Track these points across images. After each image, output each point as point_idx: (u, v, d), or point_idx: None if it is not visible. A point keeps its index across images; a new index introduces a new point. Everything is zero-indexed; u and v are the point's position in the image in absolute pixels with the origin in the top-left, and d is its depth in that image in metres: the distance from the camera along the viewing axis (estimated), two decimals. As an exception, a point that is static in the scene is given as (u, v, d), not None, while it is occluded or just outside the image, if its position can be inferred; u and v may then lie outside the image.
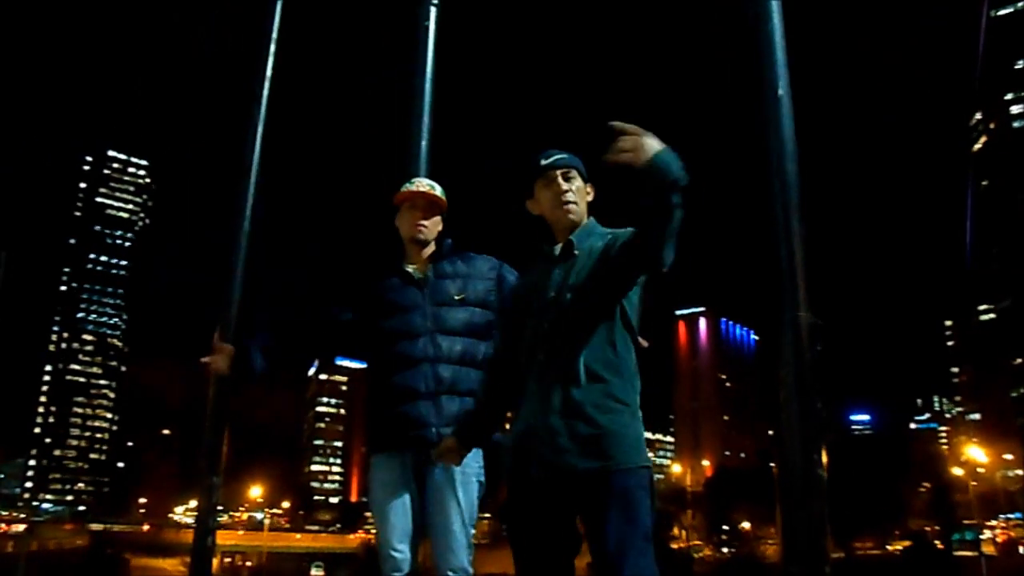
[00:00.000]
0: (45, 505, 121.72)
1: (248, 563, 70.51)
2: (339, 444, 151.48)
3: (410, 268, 3.22)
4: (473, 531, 3.07)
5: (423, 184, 3.27)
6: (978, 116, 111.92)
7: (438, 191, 3.25)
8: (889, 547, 66.53)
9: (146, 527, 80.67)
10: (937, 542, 63.99)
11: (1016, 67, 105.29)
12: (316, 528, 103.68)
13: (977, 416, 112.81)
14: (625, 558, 2.13)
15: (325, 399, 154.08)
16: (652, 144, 2.20)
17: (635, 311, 2.43)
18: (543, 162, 2.56)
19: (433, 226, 3.23)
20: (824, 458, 2.39)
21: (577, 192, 2.56)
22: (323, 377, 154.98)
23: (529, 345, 2.45)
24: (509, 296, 2.91)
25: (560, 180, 2.54)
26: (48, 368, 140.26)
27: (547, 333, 2.40)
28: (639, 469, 2.25)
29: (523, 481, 2.36)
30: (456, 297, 3.15)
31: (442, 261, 3.23)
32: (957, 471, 61.39)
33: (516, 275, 3.22)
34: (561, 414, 2.29)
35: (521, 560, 2.38)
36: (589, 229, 2.55)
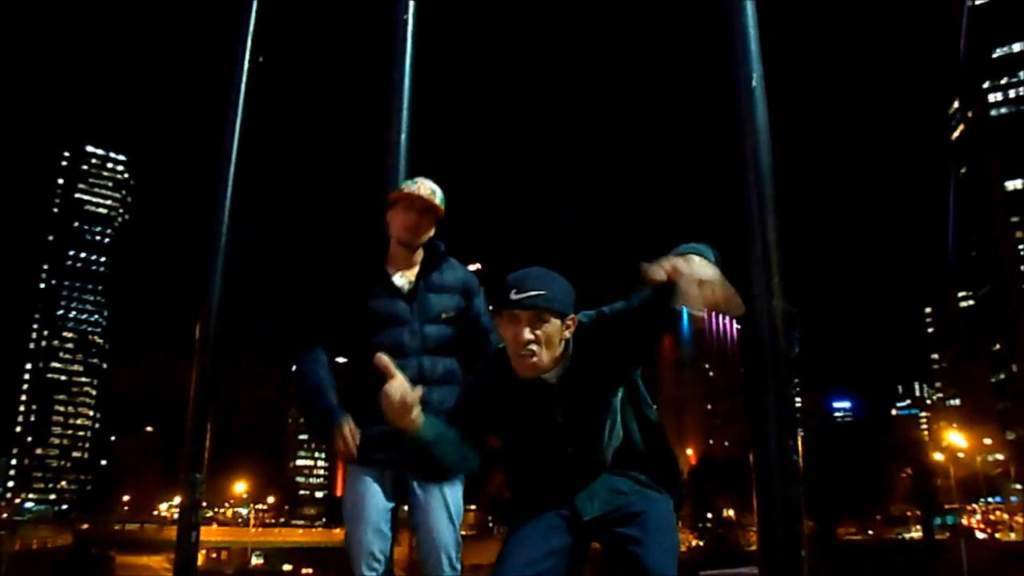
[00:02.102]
0: (28, 504, 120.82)
1: (221, 558, 70.82)
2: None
3: (396, 276, 3.09)
4: (459, 526, 3.05)
5: (425, 188, 3.08)
6: (956, 104, 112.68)
7: (438, 198, 3.09)
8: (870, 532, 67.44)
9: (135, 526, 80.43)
10: (918, 527, 64.73)
11: (994, 55, 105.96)
12: (302, 523, 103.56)
13: (957, 402, 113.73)
14: None
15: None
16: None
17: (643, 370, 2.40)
18: (512, 296, 2.15)
19: (425, 233, 3.10)
20: (799, 444, 2.43)
21: (545, 340, 2.17)
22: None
23: (538, 452, 2.36)
24: (473, 402, 2.41)
25: (524, 326, 2.16)
26: (28, 366, 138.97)
27: (573, 456, 2.32)
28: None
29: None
30: (443, 316, 3.06)
31: (431, 274, 3.11)
32: (938, 456, 62.08)
33: (481, 295, 3.17)
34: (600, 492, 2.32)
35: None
36: (572, 352, 2.26)
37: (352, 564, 2.95)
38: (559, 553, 2.27)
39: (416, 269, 3.10)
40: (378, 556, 2.93)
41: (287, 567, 69.49)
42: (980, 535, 63.67)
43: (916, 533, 65.95)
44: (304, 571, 66.20)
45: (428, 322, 3.03)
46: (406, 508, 3.09)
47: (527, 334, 2.15)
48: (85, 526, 73.72)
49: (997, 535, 67.19)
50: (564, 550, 2.28)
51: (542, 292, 2.15)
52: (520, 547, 2.28)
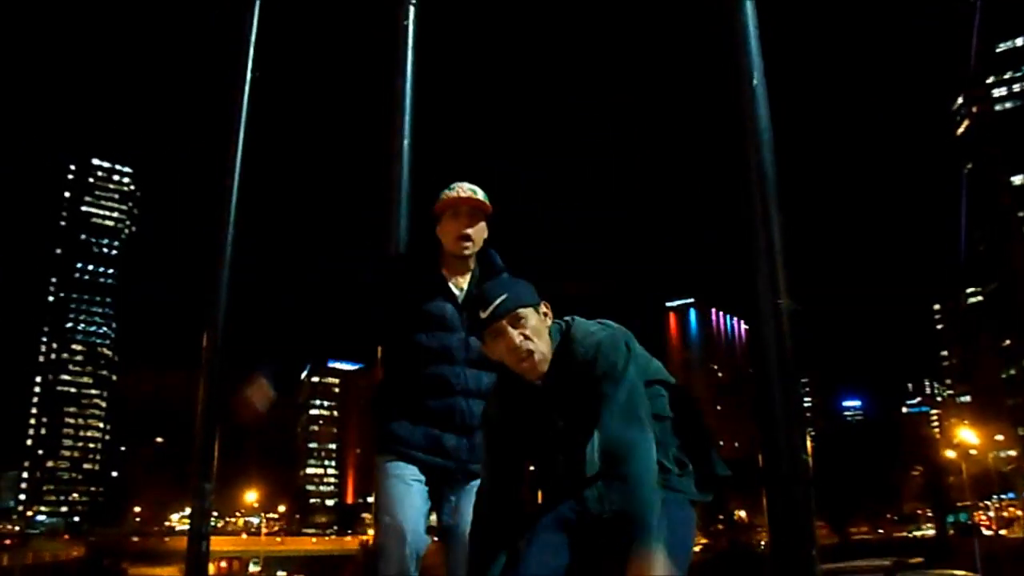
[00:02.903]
0: (39, 517, 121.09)
1: (233, 568, 71.49)
2: (333, 446, 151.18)
3: (450, 281, 3.01)
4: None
5: (464, 189, 2.98)
6: (960, 100, 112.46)
7: (481, 195, 2.99)
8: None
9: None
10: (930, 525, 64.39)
11: (998, 50, 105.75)
12: (313, 531, 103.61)
13: (968, 398, 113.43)
14: None
15: (318, 402, 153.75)
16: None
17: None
18: (483, 314, 2.23)
19: (478, 236, 2.99)
20: (809, 444, 2.42)
21: (534, 333, 2.23)
22: (315, 380, 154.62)
23: (540, 463, 2.37)
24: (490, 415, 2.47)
25: (510, 331, 2.22)
26: (38, 379, 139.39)
27: (564, 463, 2.29)
28: None
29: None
30: None
31: (484, 283, 2.96)
32: (949, 453, 61.71)
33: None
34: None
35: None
36: (558, 350, 2.27)
37: (387, 566, 2.80)
38: (572, 549, 2.22)
39: (469, 277, 3.04)
40: (416, 557, 2.80)
41: (281, 574, 70.60)
42: (987, 532, 63.36)
43: (929, 531, 65.63)
44: None
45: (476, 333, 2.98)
46: (434, 515, 2.99)
47: (516, 337, 2.21)
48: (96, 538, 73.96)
49: (1003, 532, 66.85)
50: (577, 546, 2.23)
51: (505, 296, 2.23)
52: (533, 543, 2.24)
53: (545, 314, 2.29)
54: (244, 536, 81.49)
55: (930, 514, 69.85)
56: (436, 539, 3.07)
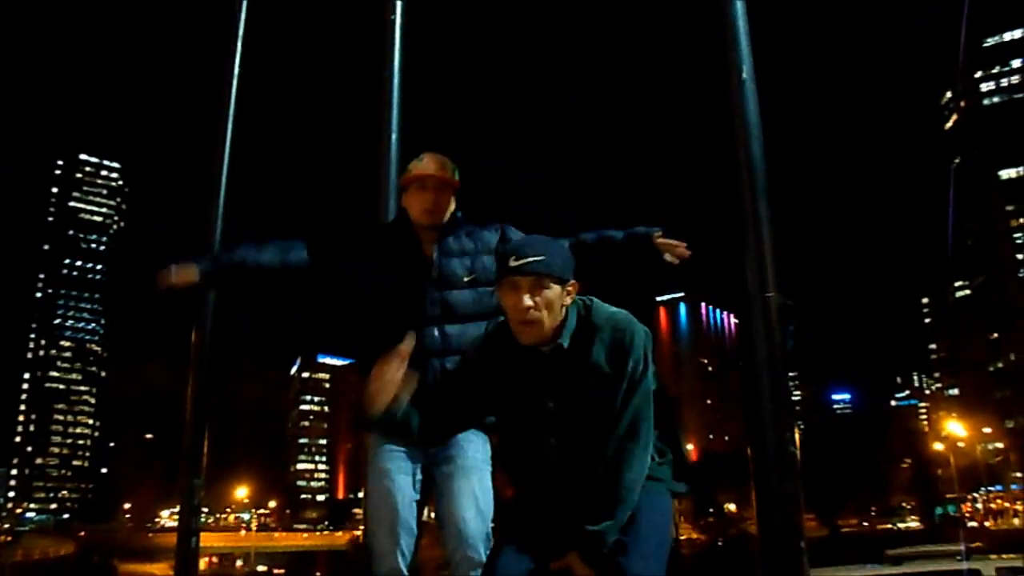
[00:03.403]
0: (29, 514, 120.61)
1: (214, 559, 71.84)
2: (324, 442, 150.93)
3: (420, 240, 2.98)
4: (489, 518, 2.85)
5: (433, 162, 2.97)
6: (948, 95, 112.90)
7: (449, 170, 2.98)
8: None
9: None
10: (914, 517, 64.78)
11: (985, 44, 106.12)
12: (304, 527, 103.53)
13: (955, 391, 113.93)
14: None
15: (308, 397, 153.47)
16: None
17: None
18: (511, 263, 2.21)
19: (445, 209, 2.96)
20: (797, 437, 2.43)
21: (545, 304, 2.20)
22: (306, 375, 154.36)
23: (527, 443, 2.35)
24: (471, 379, 2.46)
25: (525, 293, 2.19)
26: (27, 376, 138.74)
27: (556, 447, 2.28)
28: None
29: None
30: (465, 279, 2.90)
31: (447, 238, 2.96)
32: (938, 446, 62.16)
33: (520, 235, 2.99)
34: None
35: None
36: (577, 325, 2.26)
37: (375, 561, 2.78)
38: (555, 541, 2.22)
39: (436, 235, 3.00)
40: (405, 552, 2.77)
41: (261, 568, 71.89)
42: (972, 524, 63.92)
43: (913, 523, 66.08)
44: (276, 571, 70.20)
45: (449, 288, 2.90)
46: (428, 508, 2.95)
47: (527, 300, 2.19)
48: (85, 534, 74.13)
49: (987, 524, 67.48)
50: (558, 539, 2.22)
51: (540, 258, 2.20)
52: (515, 536, 2.26)
53: (568, 292, 2.25)
54: (242, 532, 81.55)
55: (912, 507, 70.34)
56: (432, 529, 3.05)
